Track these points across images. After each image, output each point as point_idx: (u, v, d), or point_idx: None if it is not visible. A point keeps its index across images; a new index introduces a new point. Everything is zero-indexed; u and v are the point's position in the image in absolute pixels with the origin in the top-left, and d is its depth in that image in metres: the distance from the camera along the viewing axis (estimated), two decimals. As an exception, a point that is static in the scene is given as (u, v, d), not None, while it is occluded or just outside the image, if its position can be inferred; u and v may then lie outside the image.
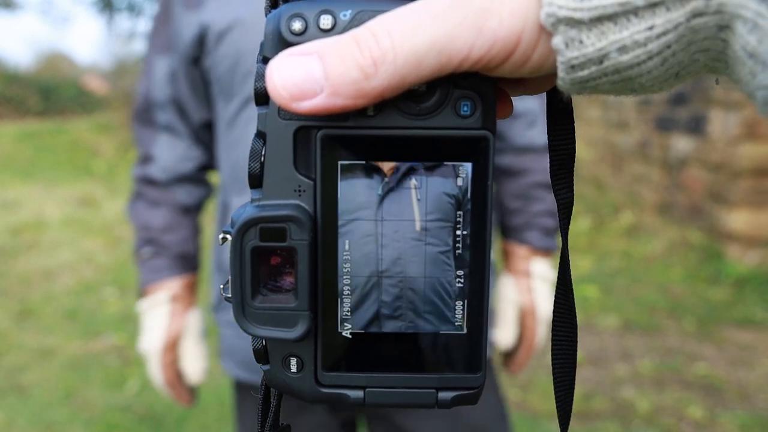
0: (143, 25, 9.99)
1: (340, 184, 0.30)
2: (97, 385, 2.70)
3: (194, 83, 1.06)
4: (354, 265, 0.31)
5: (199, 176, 1.14)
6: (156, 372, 1.11)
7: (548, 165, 1.12)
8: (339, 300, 0.31)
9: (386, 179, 0.29)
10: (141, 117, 1.12)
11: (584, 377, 2.65)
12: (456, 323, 0.32)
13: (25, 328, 3.29)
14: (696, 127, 4.18)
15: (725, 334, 3.06)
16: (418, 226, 0.30)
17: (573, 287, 0.36)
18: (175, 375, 1.12)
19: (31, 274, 4.14)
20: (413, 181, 0.29)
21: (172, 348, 1.11)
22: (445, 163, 0.30)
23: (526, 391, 2.57)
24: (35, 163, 7.97)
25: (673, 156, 4.48)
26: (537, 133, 1.15)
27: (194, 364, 1.13)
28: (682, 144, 4.37)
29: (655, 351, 2.91)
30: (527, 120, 1.14)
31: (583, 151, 5.66)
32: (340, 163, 0.30)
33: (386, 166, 0.29)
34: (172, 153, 1.10)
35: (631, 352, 2.90)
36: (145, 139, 1.12)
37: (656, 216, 4.64)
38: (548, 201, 1.15)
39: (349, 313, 0.32)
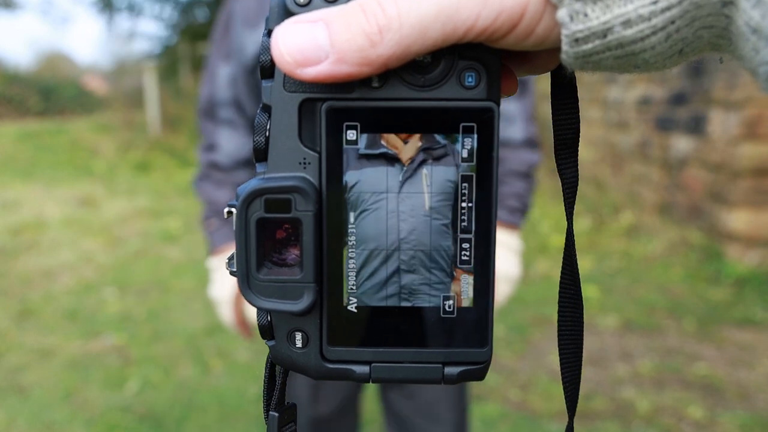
0: (143, 25, 9.99)
1: (345, 157, 0.30)
2: (97, 385, 2.70)
3: (252, 87, 1.25)
4: (360, 237, 0.31)
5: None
6: (228, 315, 1.32)
7: (525, 157, 1.23)
8: (344, 273, 0.31)
9: (405, 168, 0.30)
10: (206, 113, 1.32)
11: (584, 377, 2.65)
12: (462, 297, 0.32)
13: (25, 328, 3.29)
14: (696, 127, 4.18)
15: (725, 334, 3.06)
16: (426, 205, 0.30)
17: (578, 267, 0.35)
18: (242, 317, 1.33)
19: (31, 274, 4.14)
20: (424, 171, 0.30)
21: (240, 296, 1.27)
22: (451, 134, 0.30)
23: (526, 391, 2.57)
24: (35, 163, 7.97)
25: (673, 156, 4.48)
26: (515, 130, 1.25)
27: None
28: (682, 144, 4.37)
29: (655, 351, 2.91)
30: (504, 118, 1.24)
31: (583, 151, 5.65)
32: (345, 135, 0.30)
33: (405, 156, 0.30)
34: (233, 142, 1.29)
35: (631, 352, 2.90)
36: (210, 131, 1.32)
37: (656, 216, 4.64)
38: (517, 187, 1.27)
39: (354, 287, 0.32)
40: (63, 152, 8.49)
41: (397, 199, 0.30)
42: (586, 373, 2.69)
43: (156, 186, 6.94)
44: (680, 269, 3.92)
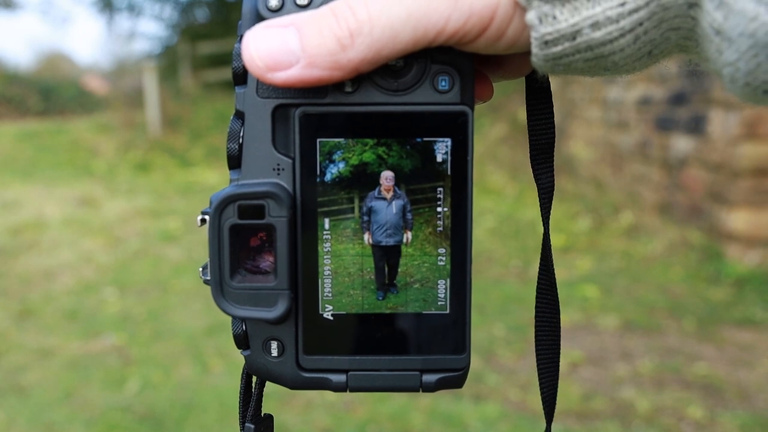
0: (143, 25, 10.01)
1: (370, 198, 0.32)
2: (97, 385, 2.70)
3: None
4: (374, 220, 0.31)
5: None
6: None
7: None
8: (320, 280, 0.31)
9: (388, 201, 0.33)
10: None
11: (584, 377, 2.65)
12: (439, 303, 0.31)
13: (25, 328, 3.29)
14: (696, 127, 4.18)
15: (725, 334, 3.06)
16: (394, 211, 0.33)
17: (555, 274, 0.35)
18: None
19: (31, 274, 4.14)
20: (393, 202, 0.33)
21: None
22: (425, 139, 0.30)
23: (526, 391, 2.56)
24: (35, 163, 7.97)
25: (673, 156, 4.48)
26: None
27: None
28: (682, 144, 4.37)
29: (655, 351, 2.91)
30: None
31: (583, 151, 5.65)
32: (319, 140, 0.30)
33: (388, 197, 0.33)
34: None
35: (631, 352, 2.90)
36: None
37: (656, 216, 4.64)
38: None
39: (330, 294, 0.31)
40: (63, 152, 8.48)
41: (385, 210, 0.32)
42: (587, 373, 2.69)
43: (156, 186, 6.94)
44: (680, 269, 3.92)
